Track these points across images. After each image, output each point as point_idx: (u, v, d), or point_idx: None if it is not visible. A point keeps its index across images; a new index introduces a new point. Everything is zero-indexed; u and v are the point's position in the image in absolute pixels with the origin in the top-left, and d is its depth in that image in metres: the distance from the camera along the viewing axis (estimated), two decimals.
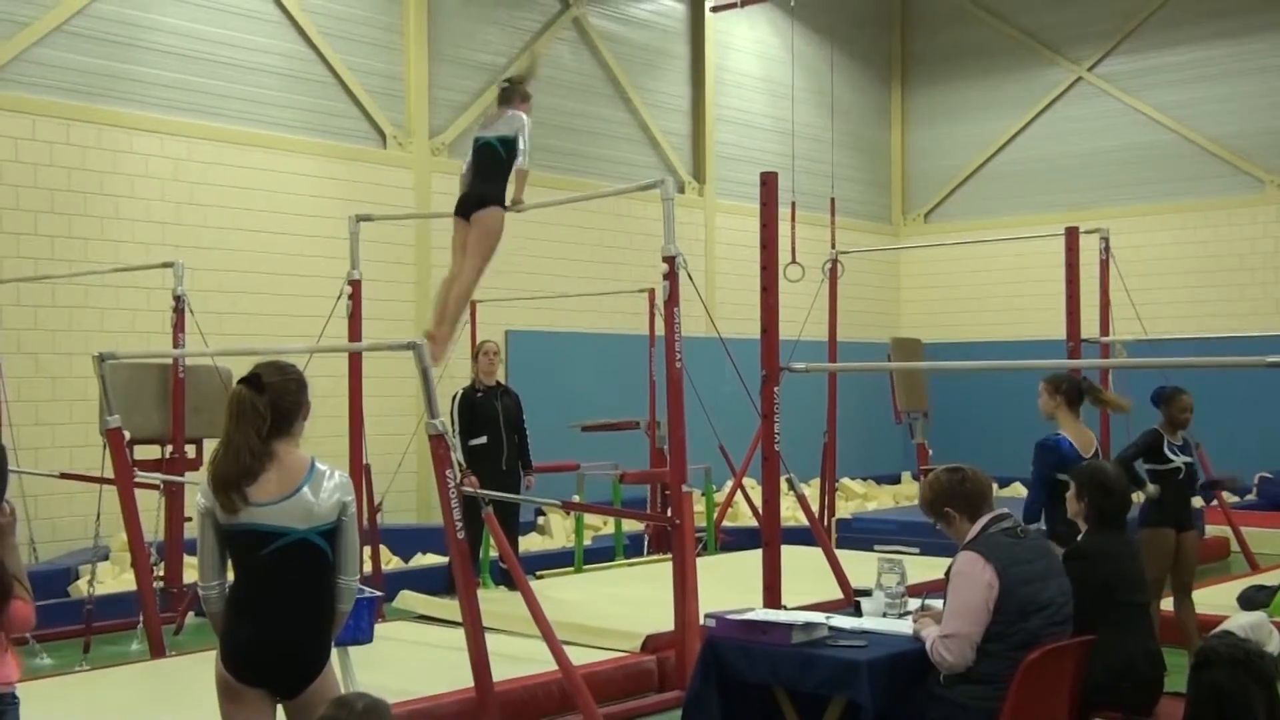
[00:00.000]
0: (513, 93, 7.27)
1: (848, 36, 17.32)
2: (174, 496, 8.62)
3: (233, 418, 3.66)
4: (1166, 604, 7.17)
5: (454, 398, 9.12)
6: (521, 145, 7.04)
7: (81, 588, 8.54)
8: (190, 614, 8.39)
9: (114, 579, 9.25)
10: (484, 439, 8.96)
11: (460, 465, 8.70)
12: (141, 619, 7.40)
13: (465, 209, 7.02)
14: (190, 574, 8.66)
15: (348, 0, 12.22)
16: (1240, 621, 4.65)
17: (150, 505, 8.24)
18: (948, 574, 4.39)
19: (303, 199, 11.71)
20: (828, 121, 16.28)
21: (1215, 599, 7.71)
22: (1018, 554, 4.33)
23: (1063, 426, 6.31)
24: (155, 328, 9.92)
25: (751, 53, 16.34)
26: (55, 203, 10.25)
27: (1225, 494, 11.00)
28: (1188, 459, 7.03)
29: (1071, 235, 8.65)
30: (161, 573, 8.46)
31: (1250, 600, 8.05)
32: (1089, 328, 8.98)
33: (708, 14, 15.59)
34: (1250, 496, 13.31)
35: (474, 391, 9.12)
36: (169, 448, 8.66)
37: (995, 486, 4.62)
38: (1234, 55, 15.60)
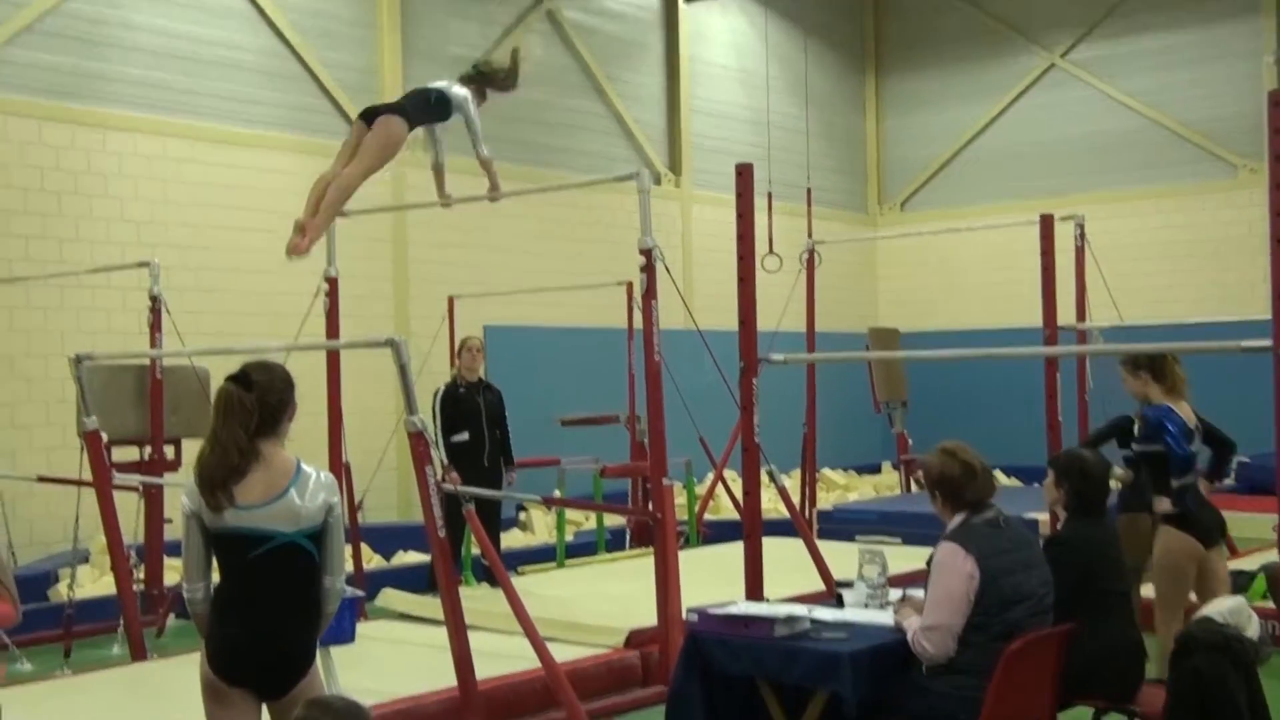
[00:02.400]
0: (473, 80, 7.18)
1: (822, 25, 17.33)
2: (153, 498, 8.58)
3: (220, 415, 3.66)
4: (1148, 590, 7.21)
5: (435, 394, 9.10)
6: (474, 127, 6.97)
7: (61, 591, 8.50)
8: (171, 616, 8.36)
9: (94, 582, 9.20)
10: (465, 435, 8.96)
11: (442, 462, 8.74)
12: (122, 622, 7.36)
13: (371, 115, 6.88)
14: (171, 576, 8.63)
15: None
16: (1219, 607, 4.67)
17: (129, 507, 8.19)
18: (929, 564, 4.41)
19: (278, 195, 11.62)
20: (803, 111, 16.30)
21: None
22: (999, 544, 4.35)
23: (1157, 399, 6.24)
24: (132, 328, 9.85)
25: (725, 43, 16.33)
26: (29, 203, 10.17)
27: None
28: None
29: (1046, 222, 8.67)
30: (142, 575, 8.41)
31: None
32: (1065, 314, 9.02)
33: (681, 5, 15.57)
34: (1229, 481, 13.38)
35: (456, 388, 9.10)
36: (147, 449, 8.61)
37: (992, 479, 4.55)
38: (1206, 40, 15.68)
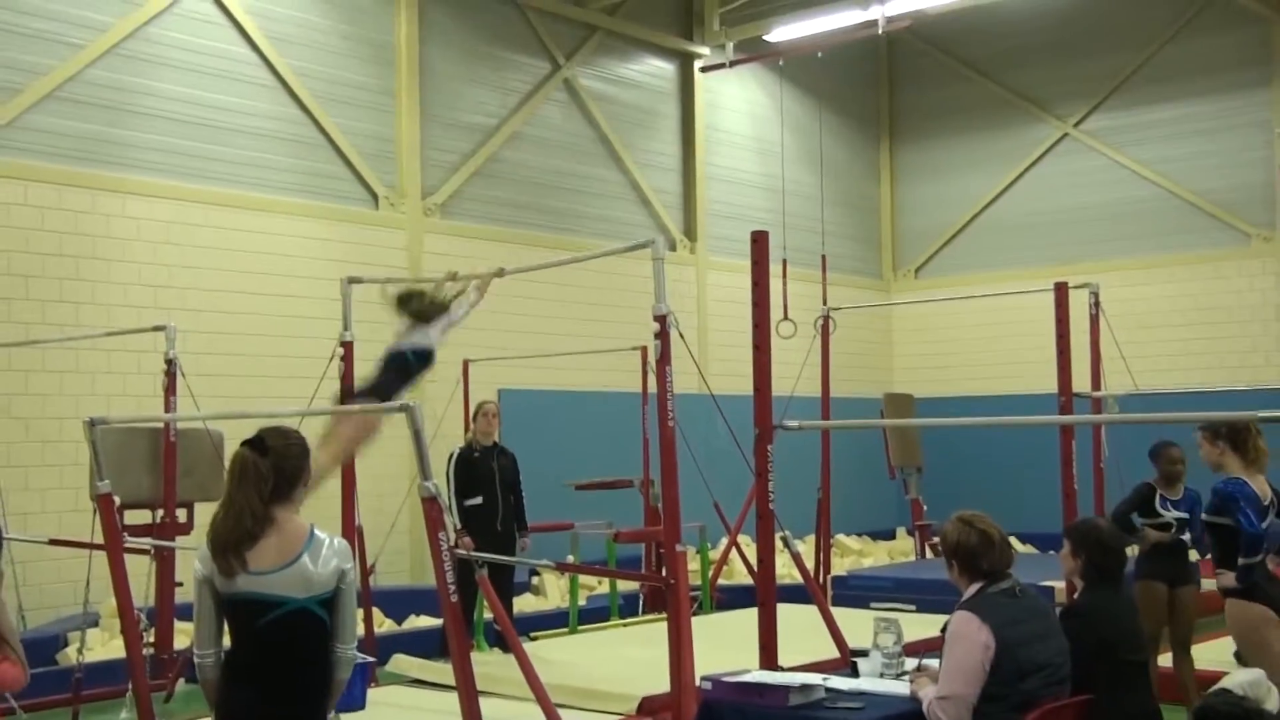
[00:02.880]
0: (422, 314, 7.18)
1: (836, 95, 17.49)
2: (164, 561, 8.55)
3: (235, 479, 3.66)
4: (1165, 660, 7.13)
5: (450, 457, 9.10)
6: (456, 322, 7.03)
7: (70, 655, 8.45)
8: (181, 681, 8.30)
9: (103, 646, 9.16)
10: (479, 499, 8.93)
11: (455, 526, 8.72)
12: (131, 686, 7.30)
13: (349, 397, 6.97)
14: (181, 640, 8.58)
15: (340, 63, 12.34)
16: (1238, 679, 4.61)
17: (140, 570, 8.17)
18: (944, 632, 4.37)
19: (295, 260, 11.74)
20: (817, 179, 16.41)
21: (1213, 654, 7.66)
22: (1015, 614, 4.31)
23: (1233, 471, 5.98)
24: (147, 391, 9.90)
25: (741, 112, 16.49)
26: (47, 267, 10.27)
27: None
28: (1181, 514, 7.01)
29: (1061, 290, 8.67)
30: (151, 639, 8.37)
31: None
32: (1080, 382, 8.99)
33: (697, 74, 15.74)
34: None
35: (470, 451, 9.10)
36: (160, 512, 8.60)
37: (1010, 549, 4.50)
38: (1217, 111, 15.77)
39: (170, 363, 8.45)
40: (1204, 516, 6.12)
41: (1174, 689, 6.84)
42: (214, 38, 11.39)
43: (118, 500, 7.29)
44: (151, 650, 8.25)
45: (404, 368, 6.91)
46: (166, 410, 8.42)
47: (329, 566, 3.66)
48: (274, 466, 3.67)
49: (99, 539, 7.17)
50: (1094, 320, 9.51)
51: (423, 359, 6.95)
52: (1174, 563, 7.00)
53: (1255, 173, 15.28)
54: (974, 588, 4.42)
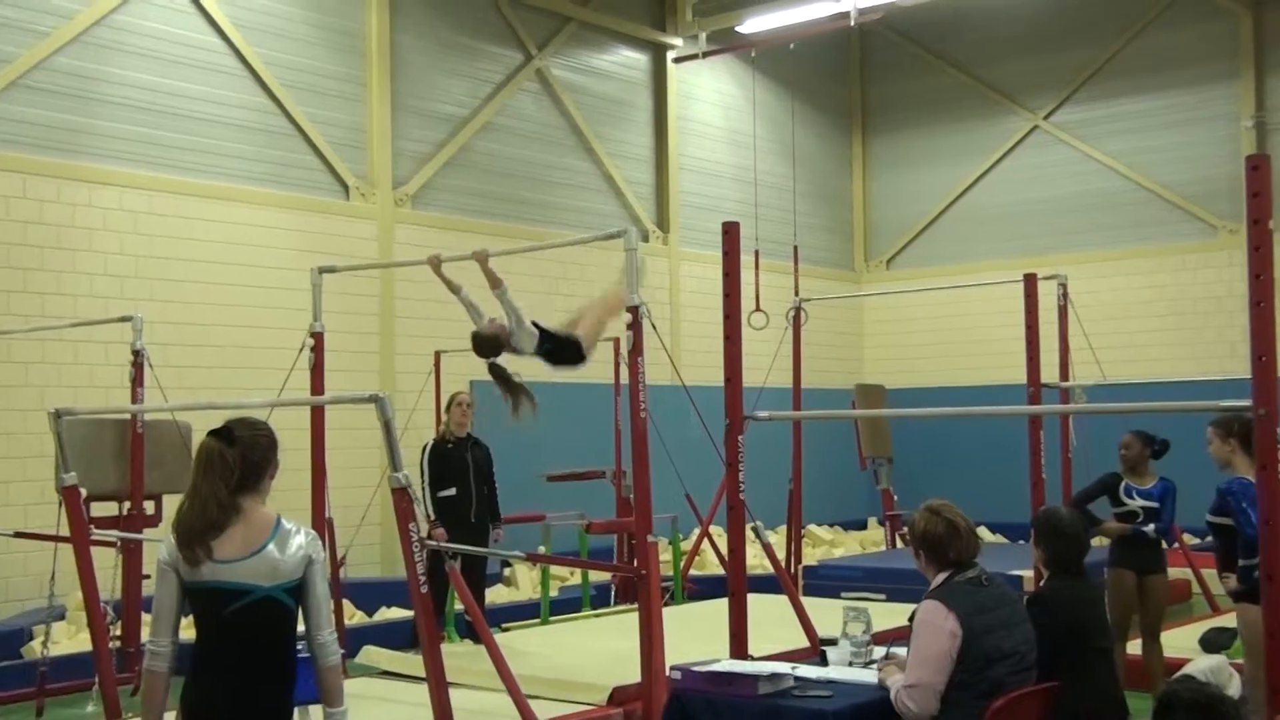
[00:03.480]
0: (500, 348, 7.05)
1: (808, 86, 17.51)
2: (131, 554, 8.49)
3: (201, 469, 3.65)
4: (1135, 647, 7.20)
5: (424, 448, 9.08)
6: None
7: (35, 648, 8.39)
8: None
9: (69, 639, 9.09)
10: (453, 491, 8.91)
11: (427, 517, 8.70)
12: (97, 680, 7.26)
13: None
14: (148, 633, 8.52)
15: (310, 52, 12.26)
16: (1201, 665, 4.66)
17: (107, 563, 8.12)
18: (911, 621, 4.39)
19: (265, 251, 11.67)
20: (790, 170, 16.43)
21: (1177, 641, 7.75)
22: (982, 602, 4.34)
23: (1240, 470, 5.86)
24: (114, 382, 9.82)
25: (714, 103, 16.49)
26: (10, 257, 10.17)
27: (1186, 535, 11.09)
28: (1149, 503, 7.06)
29: (1030, 281, 8.74)
30: (118, 632, 8.32)
31: (1211, 643, 8.09)
32: (1049, 372, 9.05)
33: (670, 65, 15.73)
34: (1210, 539, 13.39)
35: (444, 443, 9.08)
36: (126, 504, 8.54)
37: (977, 539, 4.54)
38: (1186, 104, 15.89)
39: (137, 354, 8.38)
40: (1207, 517, 6.02)
41: (1142, 676, 6.91)
42: (182, 26, 11.30)
43: (84, 492, 7.24)
44: (118, 643, 8.19)
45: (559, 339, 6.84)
46: (134, 401, 8.35)
47: (296, 554, 3.65)
48: (241, 456, 3.66)
49: (65, 531, 7.12)
50: (1062, 311, 9.58)
51: (557, 346, 6.85)
52: (1143, 551, 7.06)
53: (1222, 166, 15.39)
54: (941, 576, 4.45)
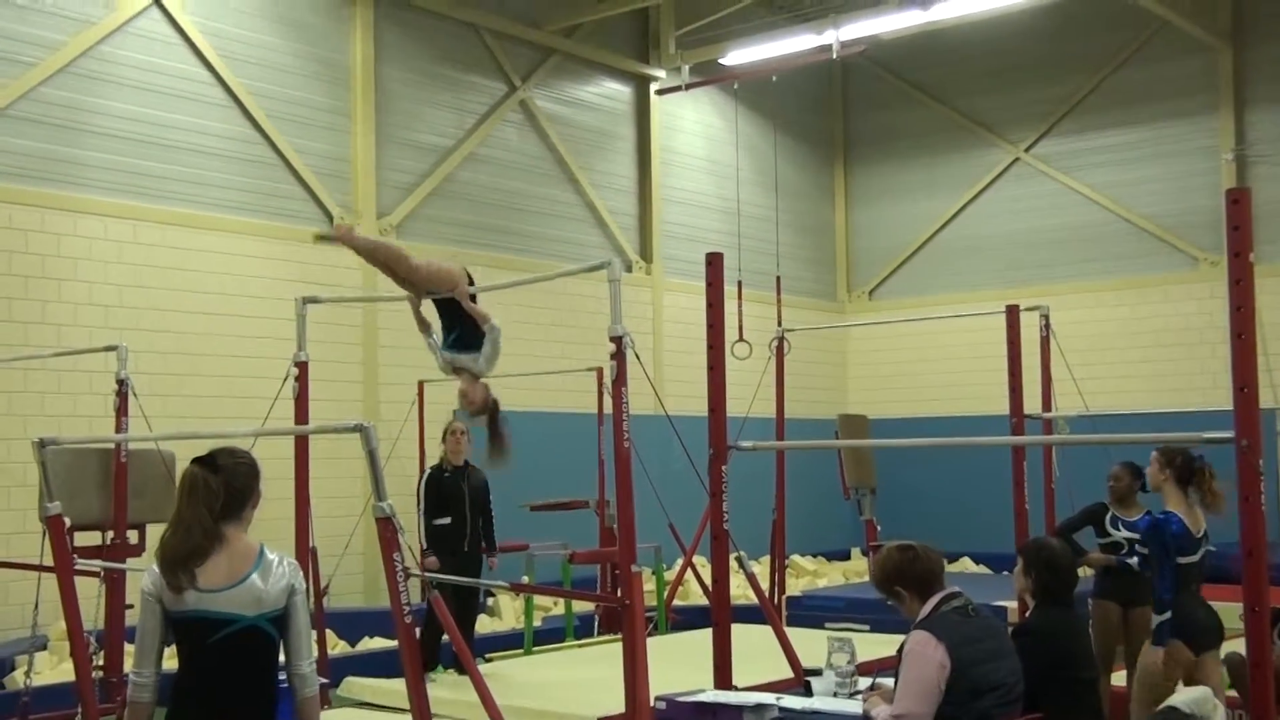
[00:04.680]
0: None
1: (791, 118, 17.62)
2: (115, 584, 8.43)
3: (185, 496, 3.66)
4: (1119, 678, 7.20)
5: (422, 476, 9.13)
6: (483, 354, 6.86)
7: (18, 679, 8.32)
8: None
9: (51, 669, 9.03)
10: (448, 519, 8.90)
11: (421, 546, 8.69)
12: (80, 710, 7.20)
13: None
14: (131, 663, 8.47)
15: (294, 83, 12.30)
16: (1185, 697, 4.67)
17: (90, 593, 8.06)
18: (899, 652, 4.40)
19: (249, 280, 11.67)
20: (772, 201, 16.52)
21: None
22: (970, 633, 4.34)
23: (1168, 502, 6.02)
24: (98, 412, 9.78)
25: (696, 134, 16.58)
26: None
27: None
28: (1133, 535, 7.08)
29: (1012, 313, 8.79)
30: (101, 662, 8.25)
31: None
32: (1031, 403, 9.09)
33: (653, 96, 15.82)
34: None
35: (441, 471, 9.09)
36: (110, 534, 8.50)
37: (944, 562, 4.61)
38: (1166, 137, 16.04)
39: (122, 383, 8.35)
40: (1137, 547, 6.19)
41: (1127, 707, 6.91)
42: (168, 56, 11.33)
43: (68, 522, 7.21)
44: (101, 673, 8.13)
45: (478, 324, 6.77)
46: (118, 431, 8.32)
47: (279, 584, 3.66)
48: (225, 484, 3.67)
49: (48, 561, 7.08)
50: (1044, 342, 9.62)
51: (478, 341, 6.81)
52: (1128, 583, 7.05)
53: (1203, 197, 15.53)
54: (929, 605, 4.45)
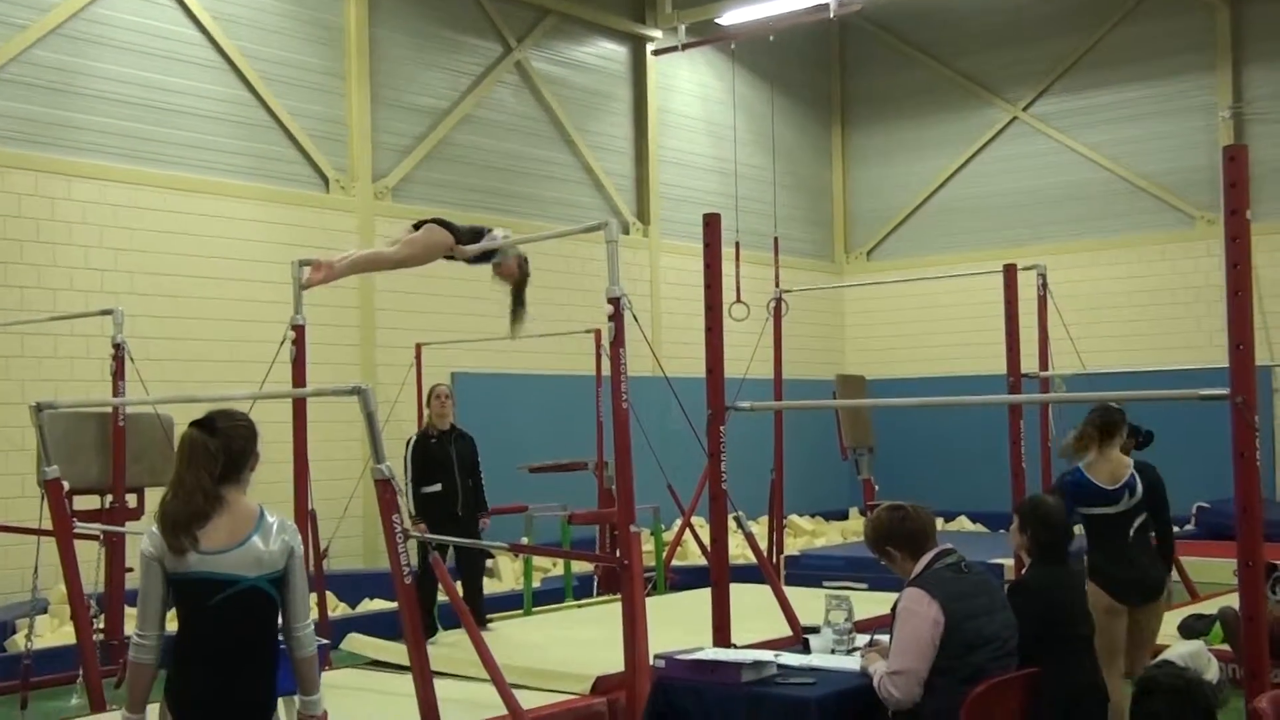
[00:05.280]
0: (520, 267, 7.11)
1: (788, 78, 17.54)
2: (115, 547, 8.48)
3: (184, 459, 3.67)
4: None
5: (408, 443, 9.00)
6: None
7: (19, 642, 8.37)
8: None
9: (53, 632, 9.07)
10: (438, 486, 8.80)
11: (410, 513, 8.65)
12: (81, 673, 7.25)
13: (422, 224, 6.92)
14: (131, 625, 8.50)
15: (289, 45, 12.22)
16: (1180, 650, 4.72)
17: (90, 556, 8.10)
18: (894, 609, 4.43)
19: (245, 244, 11.64)
20: (769, 162, 16.46)
21: (1160, 628, 7.79)
22: (962, 589, 4.38)
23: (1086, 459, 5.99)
24: (95, 376, 9.78)
25: (693, 95, 16.50)
26: None
27: None
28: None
29: (1009, 272, 8.79)
30: (102, 625, 8.30)
31: (1190, 629, 8.15)
32: (1028, 363, 9.11)
33: (649, 57, 15.73)
34: (1189, 526, 13.51)
35: (427, 437, 8.97)
36: (109, 497, 8.53)
37: (940, 521, 4.65)
38: (1163, 95, 15.98)
39: (118, 347, 8.35)
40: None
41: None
42: (160, 18, 11.25)
43: (66, 485, 7.24)
44: (101, 636, 8.18)
45: (477, 236, 6.82)
46: (115, 395, 8.33)
47: (278, 545, 3.68)
48: (223, 447, 3.68)
49: (47, 525, 7.11)
50: (1041, 302, 9.63)
51: (491, 253, 6.87)
52: None
53: (1200, 156, 15.50)
54: (920, 564, 4.48)
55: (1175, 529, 12.30)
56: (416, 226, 6.81)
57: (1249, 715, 3.94)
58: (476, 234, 6.87)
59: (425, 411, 9.28)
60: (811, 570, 11.59)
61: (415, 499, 8.71)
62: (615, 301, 6.34)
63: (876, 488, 13.15)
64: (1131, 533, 5.80)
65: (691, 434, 6.41)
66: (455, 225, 6.83)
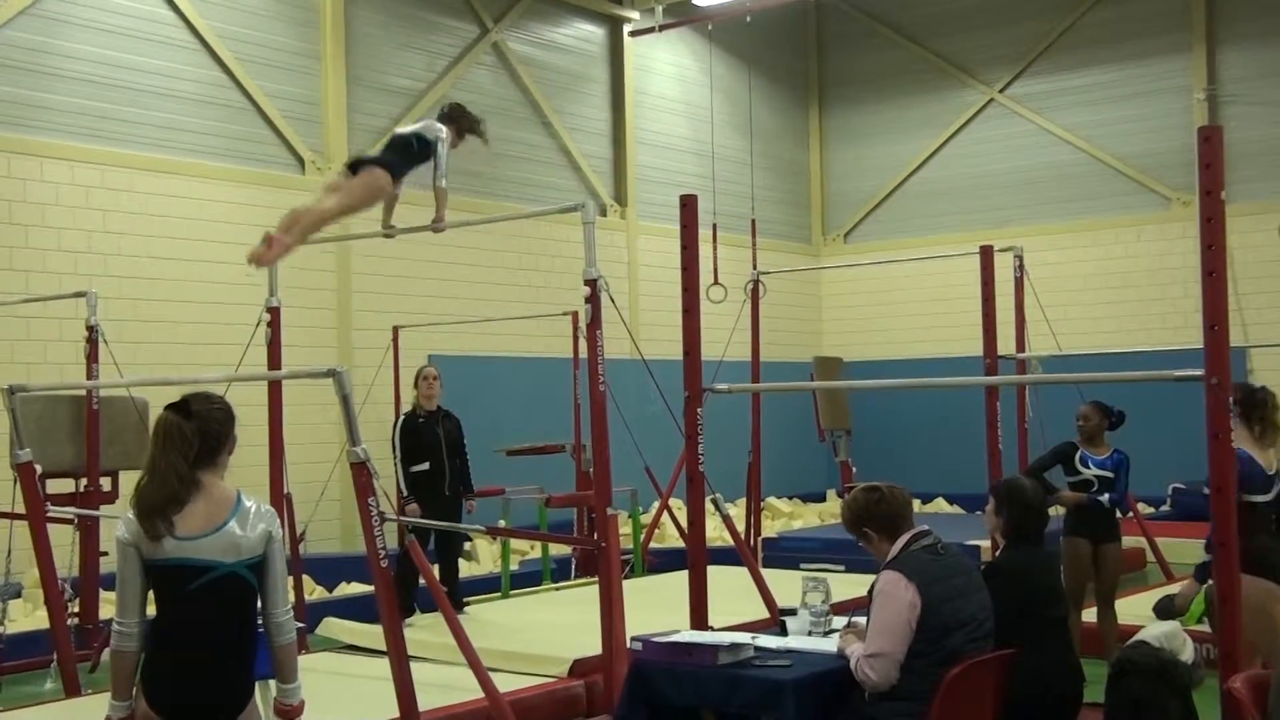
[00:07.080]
0: (450, 117, 7.14)
1: (765, 60, 17.50)
2: (89, 531, 8.44)
3: (159, 443, 3.62)
4: (1090, 614, 7.30)
5: (395, 424, 9.06)
6: (440, 162, 6.93)
7: None
8: (106, 651, 8.21)
9: (26, 617, 9.02)
10: (426, 465, 8.85)
11: (400, 493, 8.67)
12: (55, 657, 7.22)
13: (356, 165, 6.86)
14: (106, 610, 8.47)
15: (263, 25, 12.12)
16: (1155, 631, 4.74)
17: (64, 540, 8.06)
18: (871, 592, 4.44)
19: (220, 226, 11.55)
20: (747, 143, 16.43)
21: (1131, 609, 7.86)
22: (939, 571, 4.39)
23: (1239, 444, 5.44)
24: (69, 359, 9.72)
25: (670, 76, 16.46)
26: None
27: (1141, 505, 11.24)
28: (1103, 472, 7.15)
29: (986, 254, 8.80)
30: (76, 609, 8.26)
31: (1166, 610, 8.20)
32: (1005, 344, 9.13)
33: (626, 38, 15.67)
34: (1165, 508, 13.61)
35: (415, 417, 9.02)
36: (83, 481, 8.47)
37: (917, 503, 4.66)
38: (1139, 76, 16.01)
39: (92, 329, 8.30)
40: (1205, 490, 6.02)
41: (1097, 642, 7.01)
42: None
43: (39, 469, 7.18)
44: (76, 620, 8.14)
45: (407, 146, 6.79)
46: (89, 378, 8.27)
47: (256, 531, 3.64)
48: (199, 431, 3.63)
49: (20, 509, 7.06)
50: (1018, 283, 9.66)
51: (423, 144, 6.81)
52: (1098, 520, 7.15)
53: (1175, 137, 15.54)
54: (898, 545, 4.49)
55: (1150, 510, 12.39)
56: (350, 168, 6.74)
57: (1224, 696, 3.97)
58: (404, 147, 6.78)
59: (413, 393, 9.29)
60: (789, 552, 11.61)
61: (405, 478, 8.75)
62: (592, 283, 6.33)
63: (854, 469, 13.19)
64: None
65: (669, 416, 6.41)
66: (384, 159, 6.74)
